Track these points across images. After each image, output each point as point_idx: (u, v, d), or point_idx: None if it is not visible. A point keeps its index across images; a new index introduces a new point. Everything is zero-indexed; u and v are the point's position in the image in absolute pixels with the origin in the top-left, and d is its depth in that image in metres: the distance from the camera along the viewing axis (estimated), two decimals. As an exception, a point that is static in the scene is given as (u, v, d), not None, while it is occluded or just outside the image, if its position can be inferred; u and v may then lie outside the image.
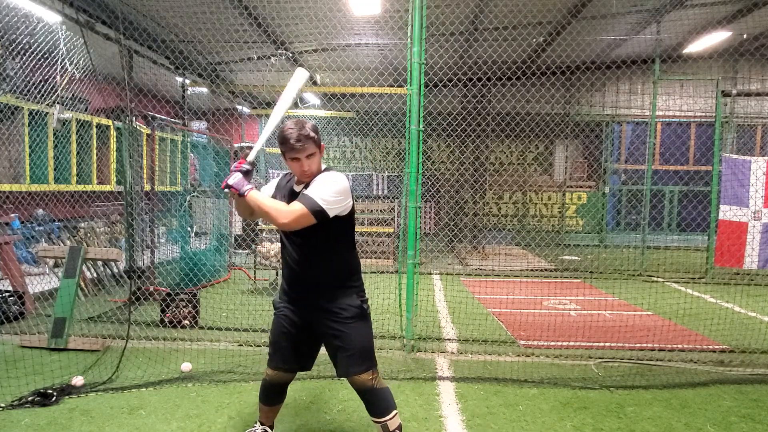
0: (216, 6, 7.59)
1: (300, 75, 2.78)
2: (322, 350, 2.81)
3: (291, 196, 2.63)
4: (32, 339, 4.73)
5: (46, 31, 6.25)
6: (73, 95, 7.95)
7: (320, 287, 2.66)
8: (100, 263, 6.90)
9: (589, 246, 13.01)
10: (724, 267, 6.18)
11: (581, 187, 14.46)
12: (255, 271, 7.81)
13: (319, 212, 2.46)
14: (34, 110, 7.71)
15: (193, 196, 8.14)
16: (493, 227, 14.26)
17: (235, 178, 2.53)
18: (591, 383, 4.06)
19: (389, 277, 7.80)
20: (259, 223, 8.99)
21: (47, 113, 7.89)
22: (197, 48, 9.02)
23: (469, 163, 12.98)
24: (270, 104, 9.40)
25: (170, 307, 5.39)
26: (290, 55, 10.06)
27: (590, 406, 3.67)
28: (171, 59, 8.44)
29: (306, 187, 2.57)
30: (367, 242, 10.44)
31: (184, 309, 5.38)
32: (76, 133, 8.73)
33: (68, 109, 7.99)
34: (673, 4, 8.63)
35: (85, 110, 8.76)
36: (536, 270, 9.50)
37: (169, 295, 5.43)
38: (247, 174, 2.57)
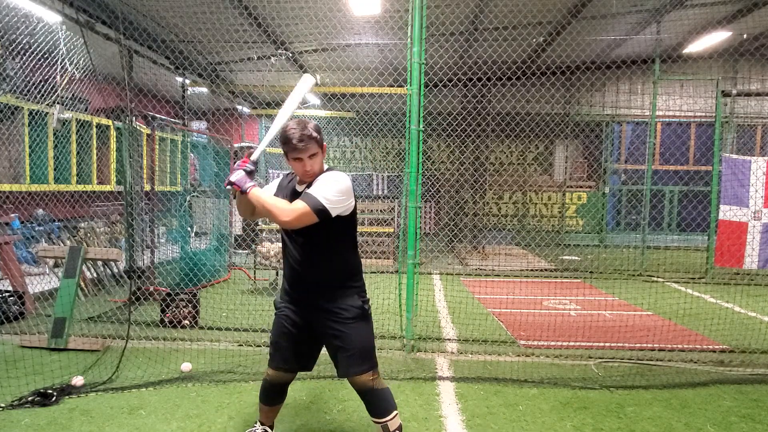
0: (216, 6, 7.59)
1: (307, 81, 2.82)
2: (323, 350, 2.82)
3: (293, 195, 2.63)
4: (32, 339, 4.73)
5: (46, 31, 6.25)
6: (73, 95, 7.95)
7: (321, 287, 2.66)
8: (100, 263, 6.90)
9: (589, 246, 13.01)
10: (724, 267, 6.18)
11: (581, 187, 14.46)
12: (255, 271, 7.81)
13: (321, 211, 2.47)
14: (34, 110, 7.71)
15: (193, 196, 8.15)
16: (493, 227, 14.26)
17: (237, 175, 2.54)
18: (591, 383, 4.06)
19: (389, 277, 7.80)
20: (259, 223, 8.99)
21: (47, 113, 7.89)
22: (197, 48, 9.02)
23: (469, 163, 12.97)
24: (270, 104, 9.42)
25: (170, 307, 5.39)
26: (290, 55, 10.06)
27: (590, 406, 3.67)
28: (171, 59, 8.44)
29: (308, 186, 2.57)
30: (367, 242, 10.45)
31: (184, 309, 5.38)
32: (76, 133, 8.73)
33: (68, 109, 7.99)
34: (673, 4, 8.63)
35: (85, 110, 8.76)
36: (536, 270, 9.49)
37: (169, 295, 5.43)
38: (250, 174, 2.58)
